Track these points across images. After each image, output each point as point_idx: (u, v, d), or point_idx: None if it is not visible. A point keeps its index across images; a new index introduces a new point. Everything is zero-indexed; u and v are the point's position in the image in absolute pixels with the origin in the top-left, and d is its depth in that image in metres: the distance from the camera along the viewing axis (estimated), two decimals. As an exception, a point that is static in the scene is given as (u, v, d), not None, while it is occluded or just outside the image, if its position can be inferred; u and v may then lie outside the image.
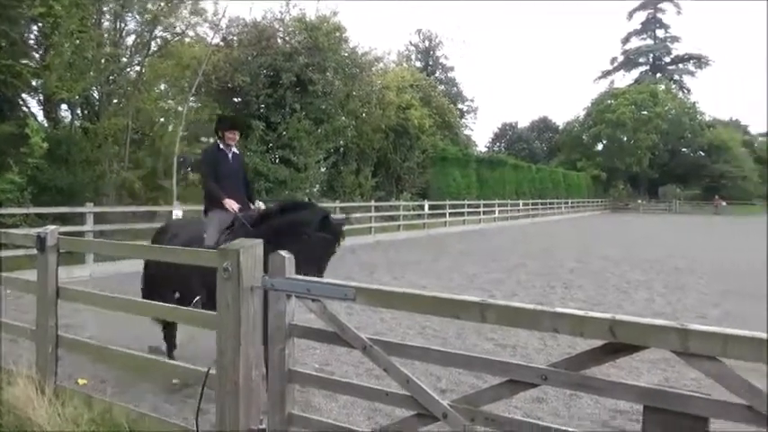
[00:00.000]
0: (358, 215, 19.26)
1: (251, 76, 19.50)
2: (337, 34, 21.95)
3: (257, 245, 2.96)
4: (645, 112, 55.34)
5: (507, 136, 71.33)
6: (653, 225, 32.52)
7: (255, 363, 2.92)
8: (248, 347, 2.86)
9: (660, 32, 69.21)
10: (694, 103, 61.66)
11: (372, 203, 20.69)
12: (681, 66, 69.35)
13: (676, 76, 68.53)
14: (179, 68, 17.25)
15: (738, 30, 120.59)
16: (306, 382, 3.10)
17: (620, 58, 71.17)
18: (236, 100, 20.70)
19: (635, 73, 70.22)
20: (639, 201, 53.04)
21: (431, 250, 16.09)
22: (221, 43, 19.97)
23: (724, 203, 48.83)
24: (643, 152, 55.25)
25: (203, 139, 18.67)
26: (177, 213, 11.97)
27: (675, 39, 68.70)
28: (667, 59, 69.79)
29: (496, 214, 30.10)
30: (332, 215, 4.37)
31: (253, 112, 20.11)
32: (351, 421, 3.84)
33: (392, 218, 21.65)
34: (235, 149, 5.23)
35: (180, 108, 17.30)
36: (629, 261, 14.22)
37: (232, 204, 4.81)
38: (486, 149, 65.08)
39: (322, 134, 21.31)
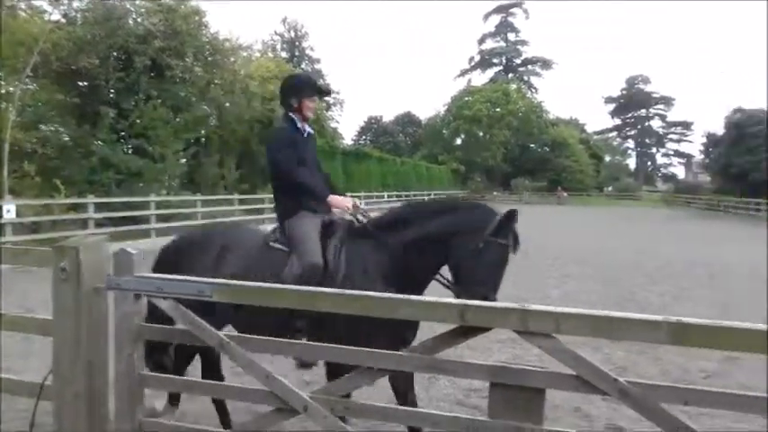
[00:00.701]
0: (222, 208, 18.58)
1: (99, 58, 17.94)
2: (196, 18, 20.92)
3: (101, 241, 2.73)
4: (498, 110, 59.35)
5: (373, 129, 72.81)
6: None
7: (100, 369, 2.70)
8: (91, 354, 2.64)
9: (511, 36, 74.64)
10: (540, 102, 67.25)
11: (236, 196, 20.06)
12: (529, 67, 75.27)
13: (525, 77, 74.33)
14: (11, 46, 15.39)
15: (577, 37, 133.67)
16: (160, 385, 2.94)
17: (477, 58, 75.68)
18: (81, 84, 18.93)
19: (490, 72, 75.09)
20: (495, 192, 56.78)
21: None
22: (62, 20, 18.12)
23: (565, 194, 53.87)
24: (497, 147, 59.26)
25: (42, 126, 16.85)
26: (9, 208, 10.68)
27: (524, 42, 74.49)
28: (518, 61, 75.39)
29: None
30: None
31: (102, 98, 18.53)
32: (216, 423, 3.70)
33: (258, 211, 21.18)
34: (308, 127, 3.80)
35: (12, 89, 15.46)
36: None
37: (345, 203, 3.54)
38: (353, 142, 65.95)
39: (181, 123, 20.22)
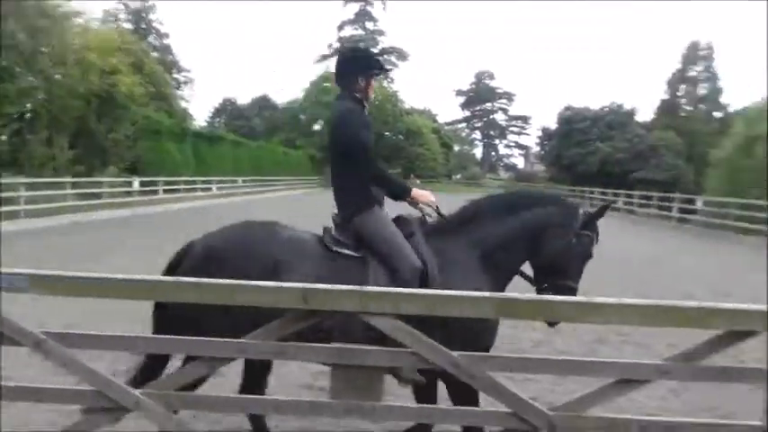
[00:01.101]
0: (50, 192, 16.69)
1: None
2: (18, -22, 18.50)
3: None
4: (356, 97, 59.98)
5: (228, 111, 70.01)
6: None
7: None
8: None
9: (370, 24, 75.84)
10: (396, 92, 69.21)
11: (69, 179, 18.19)
12: (386, 57, 77.08)
13: (382, 67, 75.93)
14: None
15: (431, 32, 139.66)
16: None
17: (336, 45, 75.86)
18: None
19: (348, 59, 75.44)
20: (351, 179, 57.54)
21: (138, 230, 14.92)
22: None
23: (418, 181, 56.27)
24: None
25: None
26: None
27: (381, 32, 76.11)
28: (375, 50, 76.85)
29: (214, 191, 29.41)
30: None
31: None
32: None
33: (94, 195, 19.36)
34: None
35: None
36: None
37: (429, 197, 3.22)
38: (206, 124, 62.90)
39: (1, 95, 17.84)
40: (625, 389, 2.36)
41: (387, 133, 65.20)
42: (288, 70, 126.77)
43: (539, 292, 3.07)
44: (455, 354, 2.19)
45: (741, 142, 23.80)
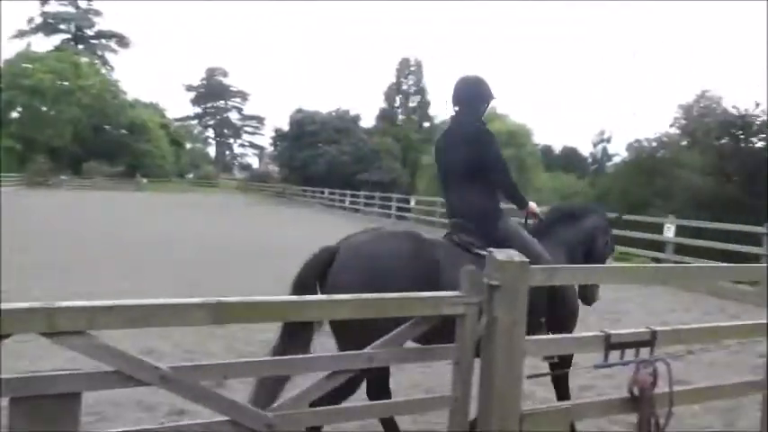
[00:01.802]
0: None
1: None
2: None
3: None
4: (67, 83, 52.80)
5: None
6: (73, 200, 31.63)
7: None
8: None
9: (83, 3, 67.29)
10: (117, 81, 62.95)
11: None
12: (104, 41, 69.45)
13: (99, 52, 68.27)
14: None
15: (158, 18, 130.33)
16: None
17: (39, 20, 65.53)
18: None
19: (56, 39, 66.02)
20: (62, 176, 50.53)
21: None
22: None
23: (145, 180, 52.15)
24: (65, 125, 52.68)
25: None
26: None
27: (98, 12, 68.19)
28: (90, 32, 68.60)
29: None
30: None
31: None
32: None
33: None
34: None
35: None
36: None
37: (536, 210, 3.93)
38: None
39: None
40: (340, 380, 2.49)
41: (107, 127, 58.84)
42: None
43: None
44: (164, 366, 2.03)
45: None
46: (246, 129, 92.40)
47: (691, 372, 4.76)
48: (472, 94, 3.73)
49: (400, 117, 53.40)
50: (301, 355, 2.57)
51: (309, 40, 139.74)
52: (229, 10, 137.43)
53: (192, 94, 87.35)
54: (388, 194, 28.30)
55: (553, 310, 3.39)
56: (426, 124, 53.59)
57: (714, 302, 9.44)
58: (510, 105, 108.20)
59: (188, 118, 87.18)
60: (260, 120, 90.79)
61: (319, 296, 2.32)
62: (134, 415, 4.01)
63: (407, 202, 26.04)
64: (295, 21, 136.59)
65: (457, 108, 3.71)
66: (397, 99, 54.24)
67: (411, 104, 54.20)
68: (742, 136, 18.42)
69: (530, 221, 3.99)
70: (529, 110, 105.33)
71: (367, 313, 2.36)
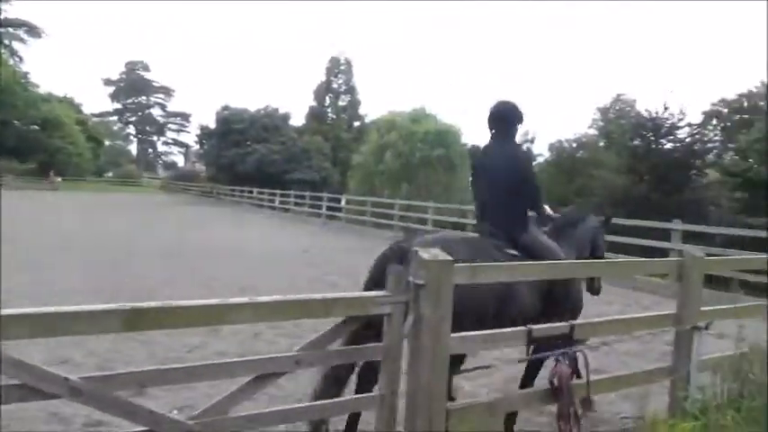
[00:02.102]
0: None
1: None
2: None
3: None
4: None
5: None
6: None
7: None
8: None
9: (-14, -12, 62.49)
10: (27, 73, 59.03)
11: None
12: (12, 30, 64.90)
13: (7, 41, 63.73)
14: None
15: (73, 8, 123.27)
16: None
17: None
18: None
19: (-45, 26, 61.02)
20: (-35, 174, 46.81)
21: None
22: None
23: (59, 179, 49.22)
24: (-33, 120, 48.89)
25: None
26: None
27: None
28: (-5, 20, 63.89)
29: None
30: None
31: None
32: None
33: None
34: None
35: None
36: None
37: (548, 210, 4.51)
38: None
39: None
40: (264, 383, 2.44)
41: (16, 122, 55.06)
42: None
43: None
44: (74, 377, 1.91)
45: (374, 149, 27.89)
46: (171, 126, 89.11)
47: (608, 362, 5.01)
48: (509, 117, 4.16)
49: (330, 116, 53.12)
50: (224, 360, 2.50)
51: (236, 36, 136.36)
52: (151, 1, 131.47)
53: (111, 89, 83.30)
54: (318, 194, 28.11)
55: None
56: (357, 123, 53.60)
57: (633, 295, 9.96)
58: (439, 105, 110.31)
59: (107, 114, 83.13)
60: (185, 117, 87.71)
61: (240, 299, 2.24)
62: (48, 428, 3.78)
63: (338, 201, 25.98)
64: (221, 15, 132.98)
65: (494, 130, 4.18)
66: (327, 98, 53.91)
67: (341, 103, 54.02)
68: (653, 138, 19.56)
69: (543, 228, 4.49)
70: (458, 110, 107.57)
71: (292, 315, 2.32)
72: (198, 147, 57.22)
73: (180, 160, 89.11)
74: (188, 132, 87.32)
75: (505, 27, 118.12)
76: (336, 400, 2.95)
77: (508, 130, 4.14)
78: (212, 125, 49.25)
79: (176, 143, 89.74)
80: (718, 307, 3.74)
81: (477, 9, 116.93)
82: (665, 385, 3.71)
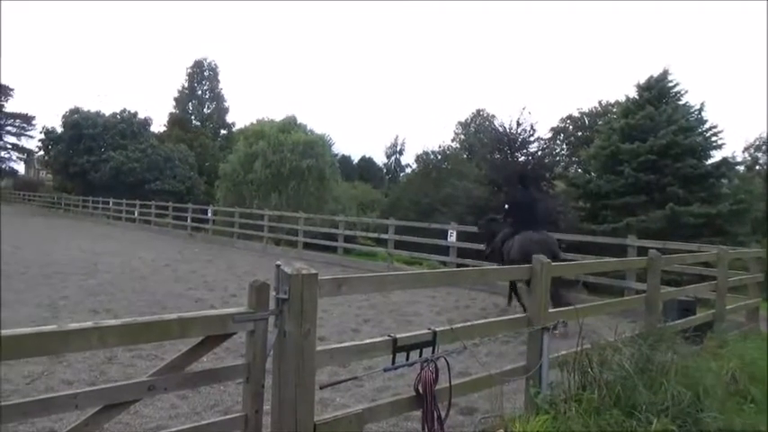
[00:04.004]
0: None
1: None
2: None
3: None
4: None
5: None
6: None
7: None
8: None
9: None
10: None
11: None
12: None
13: None
14: None
15: None
16: None
17: None
18: None
19: None
20: None
21: None
22: None
23: None
24: None
25: None
26: None
27: None
28: None
29: None
30: None
31: None
32: None
33: None
34: None
35: None
36: None
37: None
38: None
39: None
40: (115, 412, 2.24)
41: None
42: None
43: None
44: None
45: (243, 158, 27.07)
46: (9, 129, 79.34)
47: (471, 364, 5.26)
48: (533, 176, 5.75)
49: (195, 123, 50.83)
50: (73, 391, 2.26)
51: (84, 33, 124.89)
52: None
53: None
54: (183, 205, 26.67)
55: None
56: (224, 132, 51.86)
57: (490, 298, 10.61)
58: (309, 115, 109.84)
59: None
60: (27, 119, 78.53)
61: (84, 324, 2.03)
62: None
63: (205, 213, 24.82)
64: (69, 8, 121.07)
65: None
66: (190, 105, 51.60)
67: (206, 111, 51.97)
68: (509, 151, 21.09)
69: None
70: (327, 120, 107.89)
71: (144, 338, 2.15)
72: (42, 153, 51.54)
73: (21, 168, 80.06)
74: (31, 137, 77.98)
75: (374, 36, 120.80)
76: (198, 423, 2.78)
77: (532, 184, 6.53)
78: (60, 129, 44.79)
79: (16, 148, 79.97)
80: (563, 309, 4.08)
81: (344, 17, 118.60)
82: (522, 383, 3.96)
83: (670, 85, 18.20)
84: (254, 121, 31.76)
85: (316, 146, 26.80)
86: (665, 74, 18.24)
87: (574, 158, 31.81)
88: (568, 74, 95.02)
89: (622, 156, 16.87)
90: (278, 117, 30.24)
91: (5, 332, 1.87)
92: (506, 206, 9.46)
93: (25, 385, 4.96)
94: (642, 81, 18.47)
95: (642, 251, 8.55)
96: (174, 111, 51.26)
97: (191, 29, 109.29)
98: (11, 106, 78.65)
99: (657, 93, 17.89)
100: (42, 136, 47.35)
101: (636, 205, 16.15)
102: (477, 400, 4.50)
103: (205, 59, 52.32)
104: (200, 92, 51.84)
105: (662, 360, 3.49)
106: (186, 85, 51.69)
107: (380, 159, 57.06)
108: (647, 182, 16.21)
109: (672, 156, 16.15)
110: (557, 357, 3.73)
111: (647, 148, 16.31)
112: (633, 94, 18.79)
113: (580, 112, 43.42)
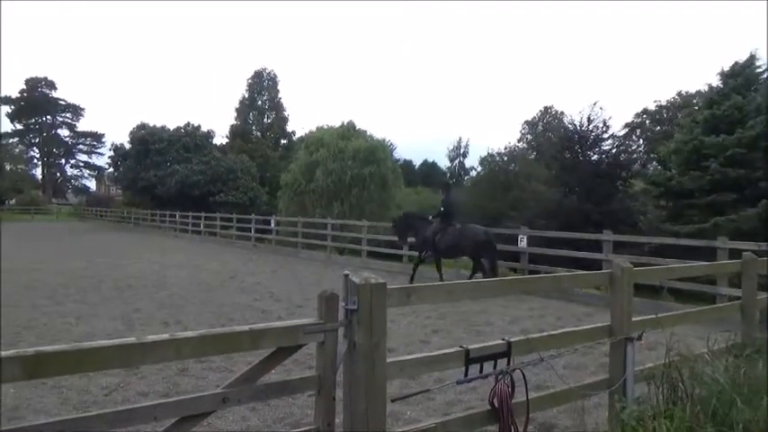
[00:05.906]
0: None
1: None
2: None
3: None
4: None
5: None
6: None
7: None
8: None
9: None
10: None
11: None
12: None
13: None
14: None
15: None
16: None
17: None
18: None
19: None
20: None
21: None
22: None
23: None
24: None
25: None
26: None
27: None
28: None
29: None
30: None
31: None
32: None
33: None
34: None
35: None
36: None
37: None
38: None
39: None
40: (189, 425, 2.22)
41: None
42: None
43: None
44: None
45: (303, 167, 27.43)
46: (81, 147, 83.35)
47: (547, 377, 5.01)
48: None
49: (255, 134, 52.05)
50: (151, 402, 2.26)
51: (149, 50, 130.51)
52: (51, 11, 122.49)
53: (9, 108, 76.32)
54: (246, 216, 27.32)
55: None
56: (284, 141, 52.80)
57: (565, 306, 10.18)
58: (369, 121, 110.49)
59: (7, 135, 76.02)
60: (97, 137, 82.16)
61: (160, 336, 2.02)
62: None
63: (268, 223, 25.32)
64: (132, 28, 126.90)
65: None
66: (251, 115, 52.83)
67: (267, 121, 53.07)
68: (579, 150, 20.28)
69: None
70: (389, 125, 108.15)
71: (217, 350, 2.12)
72: (112, 169, 54.04)
73: (92, 184, 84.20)
74: (101, 154, 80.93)
75: (432, 35, 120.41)
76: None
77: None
78: (127, 145, 46.91)
79: (87, 166, 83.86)
80: (648, 317, 3.82)
81: (402, 22, 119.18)
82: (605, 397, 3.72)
83: (758, 71, 16.96)
84: (314, 129, 32.09)
85: (377, 152, 26.70)
86: (751, 59, 17.00)
87: (652, 155, 30.21)
88: (643, 65, 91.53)
89: (707, 150, 15.81)
90: (336, 123, 30.41)
91: (88, 344, 1.88)
92: (441, 208, 12.24)
93: (103, 397, 5.08)
94: (726, 68, 17.28)
95: (734, 254, 7.87)
96: (235, 122, 52.66)
97: (251, 40, 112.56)
98: (82, 125, 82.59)
99: (744, 80, 16.73)
100: (111, 153, 49.73)
101: (724, 204, 15.09)
102: (557, 415, 4.30)
103: (264, 69, 53.42)
104: (259, 102, 53.02)
105: (761, 374, 3.20)
106: (246, 95, 52.94)
107: (443, 163, 55.85)
108: (737, 177, 15.11)
109: (763, 148, 15.02)
110: (641, 370, 3.50)
111: (734, 140, 15.24)
112: (717, 82, 17.67)
113: (657, 105, 41.39)
